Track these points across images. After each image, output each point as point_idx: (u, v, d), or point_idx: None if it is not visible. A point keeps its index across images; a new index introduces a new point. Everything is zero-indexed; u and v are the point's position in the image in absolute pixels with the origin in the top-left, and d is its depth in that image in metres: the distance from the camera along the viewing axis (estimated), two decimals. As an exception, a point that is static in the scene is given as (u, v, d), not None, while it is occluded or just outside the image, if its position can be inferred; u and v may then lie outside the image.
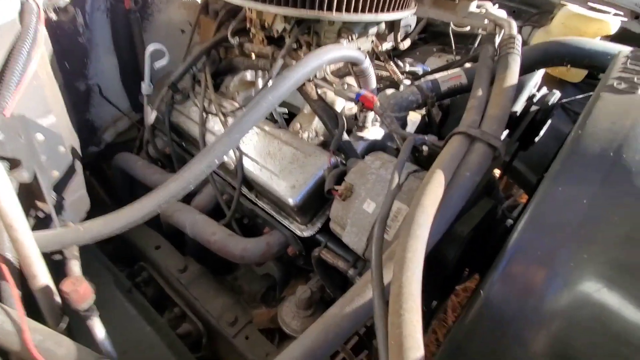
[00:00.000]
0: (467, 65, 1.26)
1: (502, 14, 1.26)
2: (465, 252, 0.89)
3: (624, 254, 0.52)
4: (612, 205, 0.54)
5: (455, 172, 0.69)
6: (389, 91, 1.20)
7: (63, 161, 1.02)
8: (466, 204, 0.71)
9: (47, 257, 0.82)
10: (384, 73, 1.36)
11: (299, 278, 1.30)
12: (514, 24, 1.04)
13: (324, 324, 0.61)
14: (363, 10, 1.03)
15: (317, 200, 1.05)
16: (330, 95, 1.22)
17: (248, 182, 1.17)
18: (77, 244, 0.85)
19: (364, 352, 1.23)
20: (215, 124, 1.27)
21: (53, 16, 1.19)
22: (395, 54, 1.54)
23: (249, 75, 1.45)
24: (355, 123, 1.14)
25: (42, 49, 0.97)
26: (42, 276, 0.74)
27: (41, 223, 0.94)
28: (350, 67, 1.04)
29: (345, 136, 1.09)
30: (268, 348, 1.18)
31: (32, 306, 0.75)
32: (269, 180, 1.07)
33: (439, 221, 0.64)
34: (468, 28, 1.61)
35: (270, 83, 1.15)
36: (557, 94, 1.21)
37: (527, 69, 1.02)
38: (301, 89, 1.16)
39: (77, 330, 0.82)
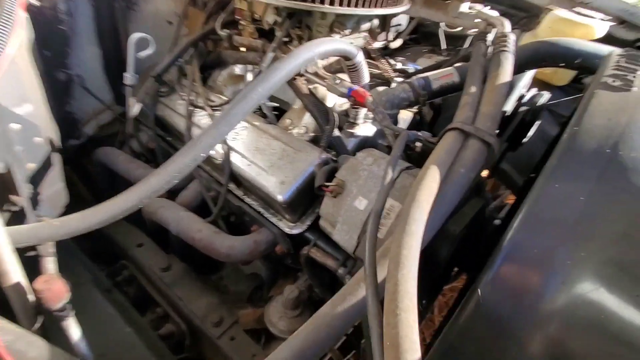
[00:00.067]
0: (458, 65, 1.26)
1: (494, 13, 1.26)
2: (456, 251, 0.88)
3: (621, 251, 0.51)
4: (609, 202, 0.54)
5: (449, 168, 0.68)
6: (381, 88, 1.19)
7: (40, 153, 0.97)
8: (458, 202, 0.70)
9: (21, 253, 0.77)
10: (375, 71, 1.35)
11: (286, 277, 1.27)
12: (507, 23, 1.04)
13: (315, 324, 0.58)
14: (356, 4, 1.01)
15: (307, 197, 1.03)
16: (321, 90, 1.20)
17: (236, 177, 1.13)
18: (53, 240, 0.81)
19: (352, 353, 1.21)
20: (202, 118, 1.24)
21: (34, 1, 1.14)
22: (386, 53, 1.53)
23: (237, 69, 1.41)
24: (347, 119, 1.13)
25: (20, 34, 0.92)
26: (14, 273, 0.69)
27: (15, 217, 0.89)
28: (343, 62, 1.02)
29: (336, 132, 1.07)
30: (254, 349, 1.15)
31: (4, 305, 0.71)
32: (258, 176, 1.04)
33: (434, 218, 0.62)
34: (459, 29, 1.62)
35: (260, 77, 1.12)
36: (546, 95, 1.22)
37: (517, 69, 1.02)
38: (292, 84, 1.13)
39: (53, 331, 0.78)
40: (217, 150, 1.12)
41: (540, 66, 1.08)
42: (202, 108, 1.24)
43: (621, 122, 0.58)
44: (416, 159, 0.93)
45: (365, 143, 1.13)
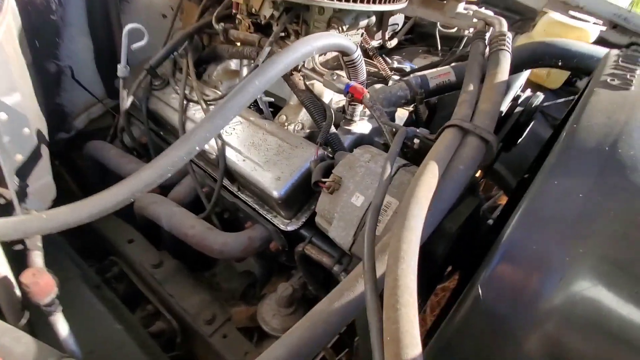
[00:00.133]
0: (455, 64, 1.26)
1: (490, 13, 1.26)
2: (452, 250, 0.88)
3: (620, 248, 0.51)
4: (608, 199, 0.53)
5: (448, 164, 0.68)
6: (378, 86, 1.18)
7: (28, 144, 0.94)
8: (456, 198, 0.69)
9: (7, 247, 0.75)
10: (372, 69, 1.35)
11: (280, 275, 1.26)
12: (505, 22, 1.04)
13: (311, 320, 0.57)
14: (355, 0, 1.01)
15: (303, 194, 1.02)
16: (317, 87, 1.19)
17: (230, 173, 1.12)
18: (41, 234, 0.79)
19: (345, 351, 1.20)
20: (196, 112, 1.22)
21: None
22: (382, 52, 1.53)
23: (233, 64, 1.40)
24: (343, 116, 1.12)
25: (8, 20, 0.89)
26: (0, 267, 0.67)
27: (1, 210, 0.87)
28: (341, 57, 1.01)
29: (333, 129, 1.06)
30: (247, 347, 1.13)
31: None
32: (253, 172, 1.02)
33: (432, 214, 0.62)
34: (455, 29, 1.62)
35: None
36: (540, 96, 1.23)
37: (514, 68, 1.03)
38: (288, 80, 1.12)
39: (40, 327, 0.75)
40: (212, 145, 1.11)
41: (537, 66, 1.09)
42: (196, 102, 1.22)
43: (620, 121, 0.58)
44: (412, 157, 0.92)
45: (362, 140, 1.12)
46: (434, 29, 1.69)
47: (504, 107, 1.22)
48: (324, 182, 0.88)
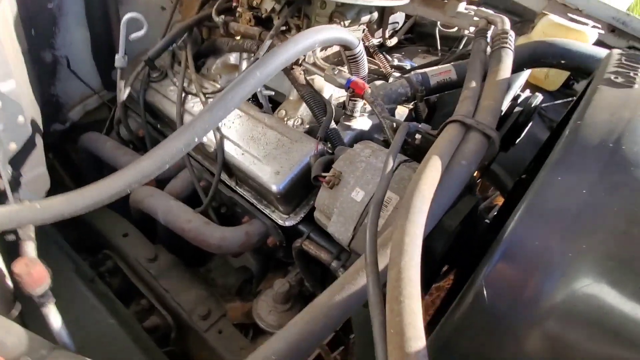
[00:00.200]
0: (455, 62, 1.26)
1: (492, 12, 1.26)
2: (450, 247, 0.88)
3: (622, 245, 0.51)
4: (611, 195, 0.53)
5: (451, 160, 0.67)
6: (378, 83, 1.17)
7: (22, 133, 0.92)
8: (459, 194, 0.69)
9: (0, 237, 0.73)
10: (372, 66, 1.34)
11: (276, 271, 1.25)
12: (507, 20, 1.04)
13: (311, 314, 0.56)
14: (358, -5, 1.00)
15: (302, 189, 1.01)
16: (318, 82, 1.18)
17: (228, 167, 1.10)
18: (34, 224, 0.76)
19: (340, 348, 1.20)
20: (194, 105, 1.20)
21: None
22: (382, 51, 1.53)
23: (232, 58, 1.38)
24: (343, 112, 1.11)
25: (4, 7, 0.88)
26: (-9, 256, 0.65)
27: (-7, 200, 0.85)
28: (342, 52, 1.00)
29: (333, 124, 1.05)
30: (242, 343, 1.13)
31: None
32: (252, 165, 1.01)
33: (435, 208, 0.61)
34: (454, 30, 1.62)
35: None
36: (539, 97, 1.23)
37: (515, 67, 1.02)
38: (289, 74, 1.11)
39: (33, 320, 0.74)
40: (210, 138, 1.09)
41: (537, 66, 1.09)
42: (194, 95, 1.20)
43: (624, 117, 0.58)
44: (412, 153, 0.92)
45: (362, 137, 1.11)
46: (434, 28, 1.69)
47: (504, 107, 1.22)
48: (324, 177, 0.87)
